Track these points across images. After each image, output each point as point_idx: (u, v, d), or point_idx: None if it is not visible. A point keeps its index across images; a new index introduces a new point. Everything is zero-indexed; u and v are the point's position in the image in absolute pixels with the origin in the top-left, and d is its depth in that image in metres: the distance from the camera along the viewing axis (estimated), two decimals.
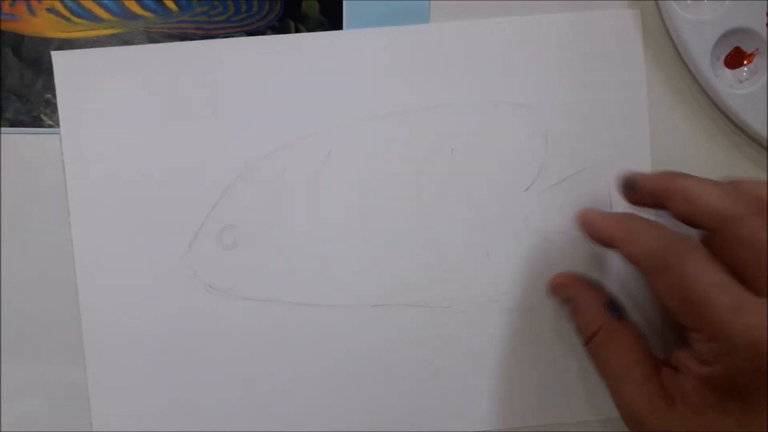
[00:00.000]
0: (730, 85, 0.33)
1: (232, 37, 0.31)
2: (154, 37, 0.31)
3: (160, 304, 0.31)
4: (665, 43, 0.33)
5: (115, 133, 0.30)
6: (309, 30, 0.31)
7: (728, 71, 0.33)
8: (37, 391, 0.30)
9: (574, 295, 0.31)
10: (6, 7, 0.30)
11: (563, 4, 0.33)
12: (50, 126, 0.31)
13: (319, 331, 0.32)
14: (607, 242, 0.29)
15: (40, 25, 0.30)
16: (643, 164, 0.33)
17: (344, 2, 0.31)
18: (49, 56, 0.30)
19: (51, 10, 0.30)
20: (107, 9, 0.31)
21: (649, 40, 0.33)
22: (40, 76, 0.30)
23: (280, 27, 0.31)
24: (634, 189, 0.30)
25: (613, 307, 0.30)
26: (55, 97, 0.30)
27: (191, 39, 0.31)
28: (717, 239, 0.27)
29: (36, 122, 0.31)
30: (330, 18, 0.31)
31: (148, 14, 0.31)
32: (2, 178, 0.30)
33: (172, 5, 0.31)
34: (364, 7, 0.31)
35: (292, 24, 0.31)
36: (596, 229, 0.30)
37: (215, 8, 0.31)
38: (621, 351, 0.29)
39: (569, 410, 0.33)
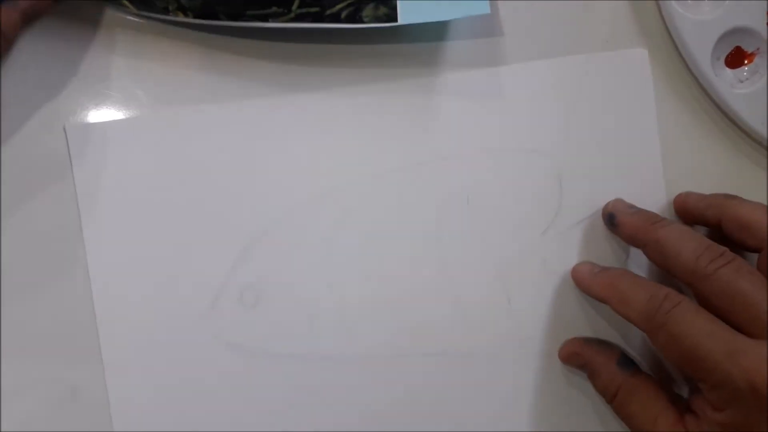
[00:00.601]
0: (730, 84, 0.33)
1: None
2: None
3: (183, 367, 0.30)
4: (665, 43, 0.33)
5: (132, 196, 0.30)
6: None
7: (729, 71, 0.33)
8: (37, 391, 0.30)
9: (586, 361, 0.31)
10: None
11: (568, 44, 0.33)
12: None
13: (341, 384, 0.31)
14: (599, 300, 0.30)
15: None
16: (658, 204, 0.33)
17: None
18: None
19: None
20: None
21: (649, 40, 0.33)
22: None
23: None
24: (613, 225, 0.32)
25: (625, 363, 0.30)
26: None
27: None
28: (697, 290, 0.28)
29: None
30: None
31: None
32: None
33: None
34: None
35: None
36: (587, 287, 0.31)
37: None
38: (643, 405, 0.29)
39: None
